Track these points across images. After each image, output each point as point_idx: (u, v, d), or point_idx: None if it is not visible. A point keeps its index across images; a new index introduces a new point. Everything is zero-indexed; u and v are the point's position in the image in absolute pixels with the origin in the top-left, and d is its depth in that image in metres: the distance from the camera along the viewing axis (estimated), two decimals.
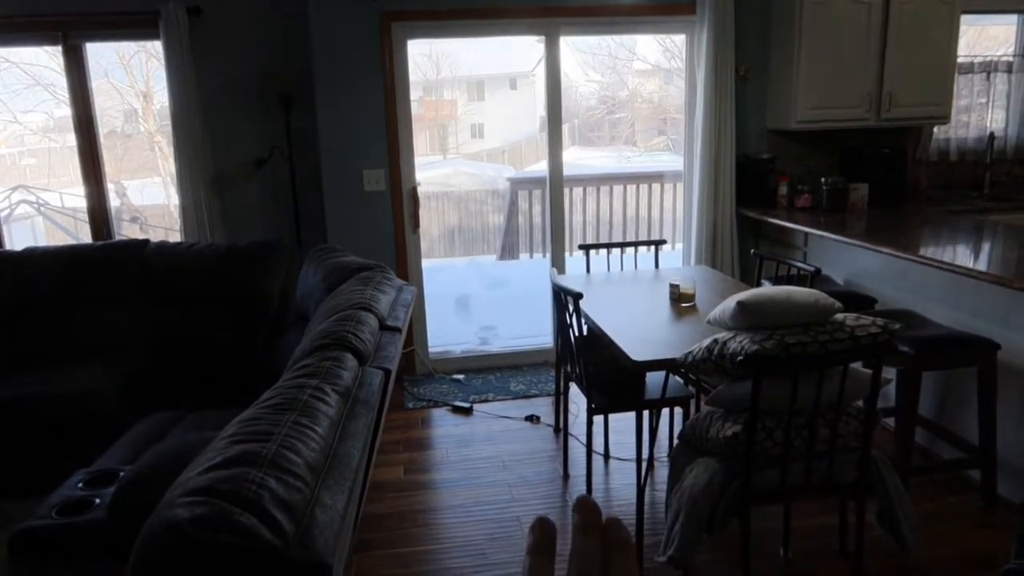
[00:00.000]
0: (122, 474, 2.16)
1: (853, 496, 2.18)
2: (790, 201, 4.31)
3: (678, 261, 4.73)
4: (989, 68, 4.89)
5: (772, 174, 4.38)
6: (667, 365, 2.32)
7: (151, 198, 6.00)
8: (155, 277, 3.49)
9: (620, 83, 7.34)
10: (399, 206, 4.21)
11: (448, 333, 4.91)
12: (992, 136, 4.79)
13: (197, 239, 4.08)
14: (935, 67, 4.26)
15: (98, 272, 3.51)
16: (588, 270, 3.59)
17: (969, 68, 4.81)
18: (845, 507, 2.52)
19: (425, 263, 4.43)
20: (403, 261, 4.27)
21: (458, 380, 4.26)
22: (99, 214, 4.36)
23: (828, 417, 2.07)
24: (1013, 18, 4.81)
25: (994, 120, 4.93)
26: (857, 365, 2.15)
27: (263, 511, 1.13)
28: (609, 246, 3.69)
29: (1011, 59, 4.85)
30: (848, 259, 3.69)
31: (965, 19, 4.36)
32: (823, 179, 4.18)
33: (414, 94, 4.19)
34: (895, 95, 4.25)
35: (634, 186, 6.65)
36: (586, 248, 3.65)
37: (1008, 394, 2.76)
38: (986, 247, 3.25)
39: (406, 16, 4.01)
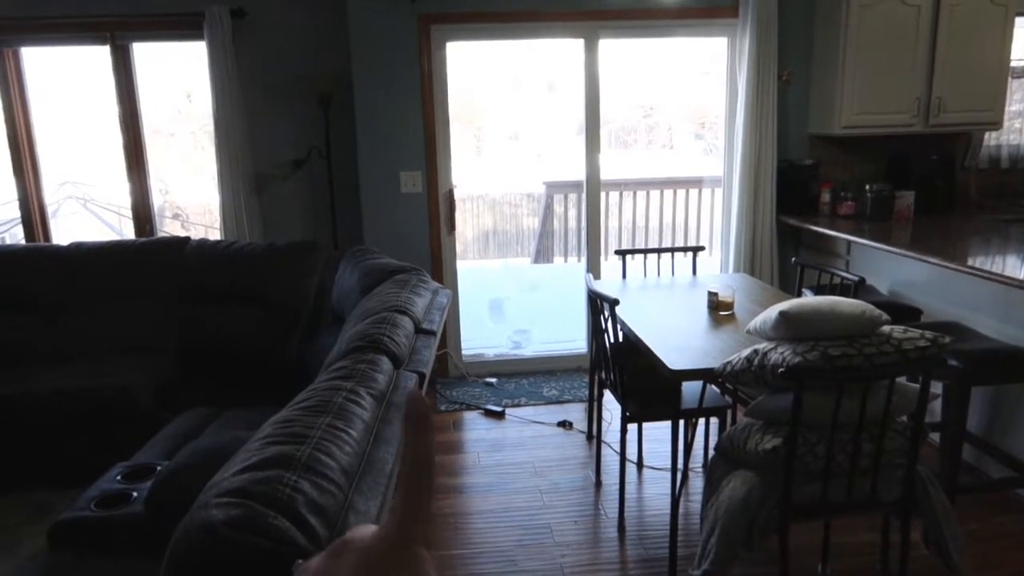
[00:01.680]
0: (159, 469, 2.19)
1: (897, 514, 2.11)
2: (832, 209, 4.21)
3: (716, 268, 4.65)
4: None
5: (814, 181, 4.28)
6: (705, 375, 2.27)
7: (194, 196, 6.11)
8: (194, 275, 3.54)
9: (658, 87, 7.26)
10: (435, 208, 4.21)
11: (481, 336, 4.90)
12: None
13: (236, 238, 4.14)
14: (987, 71, 4.13)
15: (139, 268, 3.57)
16: (624, 276, 3.55)
17: (1023, 72, 4.65)
18: (888, 525, 2.44)
19: (460, 265, 4.42)
20: (438, 263, 4.28)
21: (491, 384, 4.25)
22: (142, 211, 4.44)
23: (873, 432, 2.01)
24: None
25: None
26: (903, 379, 2.08)
27: (297, 515, 1.13)
28: (646, 252, 3.64)
29: None
30: (893, 269, 3.59)
31: (1020, 21, 4.22)
32: (868, 186, 4.07)
33: (452, 97, 4.19)
34: (944, 100, 4.12)
35: (671, 191, 6.58)
36: (622, 253, 3.61)
37: None
38: None
39: (445, 19, 4.02)
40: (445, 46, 4.11)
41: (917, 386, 2.03)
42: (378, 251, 3.28)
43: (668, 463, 3.23)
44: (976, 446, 3.05)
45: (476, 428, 3.70)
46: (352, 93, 4.03)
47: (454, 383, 4.29)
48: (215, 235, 4.51)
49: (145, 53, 4.34)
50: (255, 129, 4.20)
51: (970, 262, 2.90)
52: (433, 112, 4.12)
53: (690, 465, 3.24)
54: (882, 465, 2.02)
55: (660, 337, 2.53)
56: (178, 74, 4.59)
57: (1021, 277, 2.71)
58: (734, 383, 2.28)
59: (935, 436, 3.17)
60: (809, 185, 4.28)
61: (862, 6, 3.96)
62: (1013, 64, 4.36)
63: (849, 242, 3.86)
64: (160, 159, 5.49)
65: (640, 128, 8.71)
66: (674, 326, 2.68)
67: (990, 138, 4.62)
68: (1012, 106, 4.62)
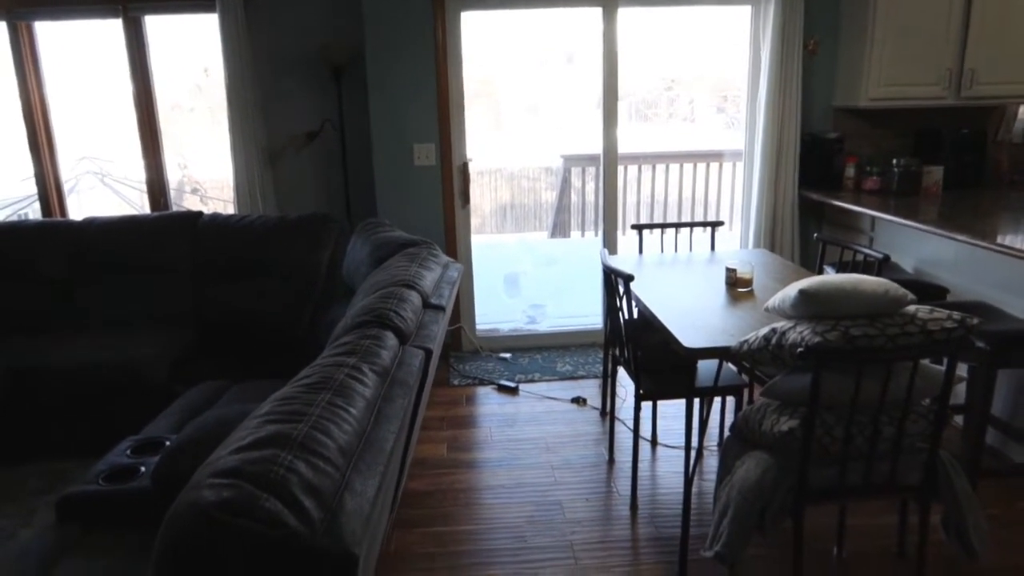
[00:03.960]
0: (167, 443, 2.18)
1: (917, 499, 2.05)
2: (857, 183, 4.09)
3: (736, 244, 4.55)
4: None
5: (839, 155, 4.16)
6: (720, 353, 2.21)
7: (212, 171, 6.10)
8: (207, 249, 3.52)
9: (681, 59, 7.10)
10: (449, 181, 4.15)
11: (496, 311, 4.86)
12: None
13: (250, 211, 4.11)
14: None
15: (153, 242, 3.56)
16: (641, 251, 3.47)
17: None
18: (906, 509, 2.38)
19: (475, 239, 4.37)
20: (452, 237, 4.23)
21: (504, 359, 4.21)
22: (156, 185, 4.43)
23: (893, 415, 1.94)
24: None
25: None
26: (927, 361, 2.01)
27: (290, 496, 1.10)
28: (663, 226, 3.56)
29: None
30: (918, 246, 3.48)
31: None
32: (894, 161, 3.94)
33: (468, 68, 4.10)
34: (977, 71, 3.96)
35: (691, 165, 6.45)
36: (639, 228, 3.53)
37: None
38: None
39: None
40: (460, 16, 4.01)
41: (941, 368, 1.95)
42: (390, 224, 3.24)
43: (683, 441, 3.18)
44: (1001, 430, 2.97)
45: (489, 403, 3.67)
46: (365, 64, 3.95)
47: (468, 357, 4.26)
48: (232, 210, 4.49)
49: (163, 27, 4.30)
50: (268, 102, 4.15)
51: (1000, 240, 2.79)
52: (447, 83, 4.04)
53: (705, 444, 3.19)
54: (903, 449, 1.96)
55: (675, 314, 2.47)
56: (197, 48, 4.54)
57: None
58: (751, 362, 2.21)
59: (959, 419, 3.09)
60: (833, 159, 4.16)
61: None
62: None
63: (874, 218, 3.75)
64: (180, 134, 5.47)
65: (661, 101, 8.54)
66: (690, 303, 2.61)
67: None
68: None
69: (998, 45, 3.93)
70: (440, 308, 2.28)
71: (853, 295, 1.91)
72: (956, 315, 1.91)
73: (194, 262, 3.53)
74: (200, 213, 3.69)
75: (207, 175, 6.08)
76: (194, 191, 6.09)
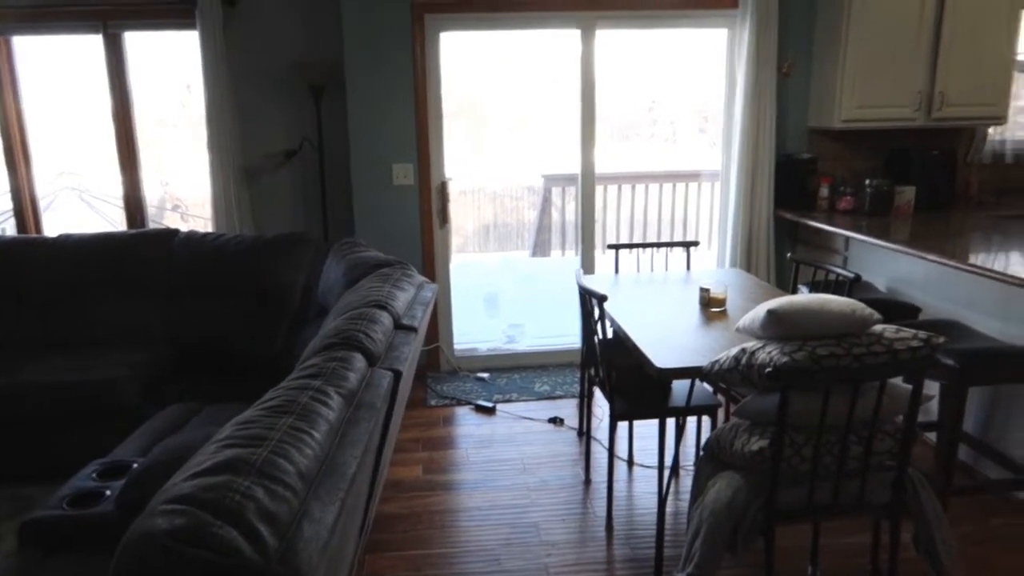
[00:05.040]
0: (134, 467, 2.15)
1: (887, 517, 2.06)
2: (831, 203, 4.14)
3: (713, 263, 4.59)
4: None
5: (813, 175, 4.21)
6: (692, 373, 2.22)
7: (194, 188, 6.06)
8: (182, 267, 3.49)
9: (662, 80, 7.17)
10: (428, 201, 4.16)
11: (476, 330, 4.86)
12: None
13: (227, 230, 4.09)
14: (992, 64, 4.04)
15: (127, 261, 3.53)
16: (617, 270, 3.49)
17: None
18: (879, 526, 2.39)
19: (457, 259, 4.38)
20: (430, 257, 4.22)
21: (483, 379, 4.20)
22: (134, 202, 4.40)
23: (862, 434, 1.95)
24: None
25: None
26: (898, 380, 2.03)
27: (245, 523, 1.08)
28: (640, 246, 3.58)
29: None
30: (891, 265, 3.53)
31: None
32: (867, 181, 4.00)
33: (448, 88, 4.13)
34: (947, 94, 4.04)
35: (671, 185, 6.50)
36: (616, 248, 3.55)
37: None
38: None
39: (439, 8, 3.95)
40: (439, 36, 4.04)
41: (910, 387, 1.97)
42: (365, 244, 3.23)
43: (666, 462, 3.18)
44: (973, 447, 2.99)
45: (466, 424, 3.65)
46: (344, 83, 3.97)
47: (445, 378, 4.24)
48: (212, 227, 4.47)
49: (146, 43, 4.30)
50: (247, 119, 4.15)
51: (970, 259, 2.83)
52: (427, 103, 4.06)
53: (682, 464, 3.19)
54: (871, 468, 1.97)
55: (649, 334, 2.47)
56: (180, 64, 4.54)
57: (1022, 275, 2.65)
58: (722, 382, 2.22)
59: (932, 436, 3.11)
60: (807, 180, 4.21)
61: None
62: (1021, 58, 4.29)
63: (847, 238, 3.79)
64: (162, 151, 5.44)
65: (643, 121, 8.62)
66: (664, 323, 2.62)
67: (994, 133, 4.53)
68: (1018, 100, 4.54)
69: (966, 69, 4.02)
70: (412, 329, 2.27)
71: (820, 315, 1.92)
72: (922, 334, 1.93)
73: (168, 281, 3.50)
74: (176, 231, 3.67)
75: (188, 192, 6.06)
76: (175, 208, 6.06)
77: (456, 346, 4.43)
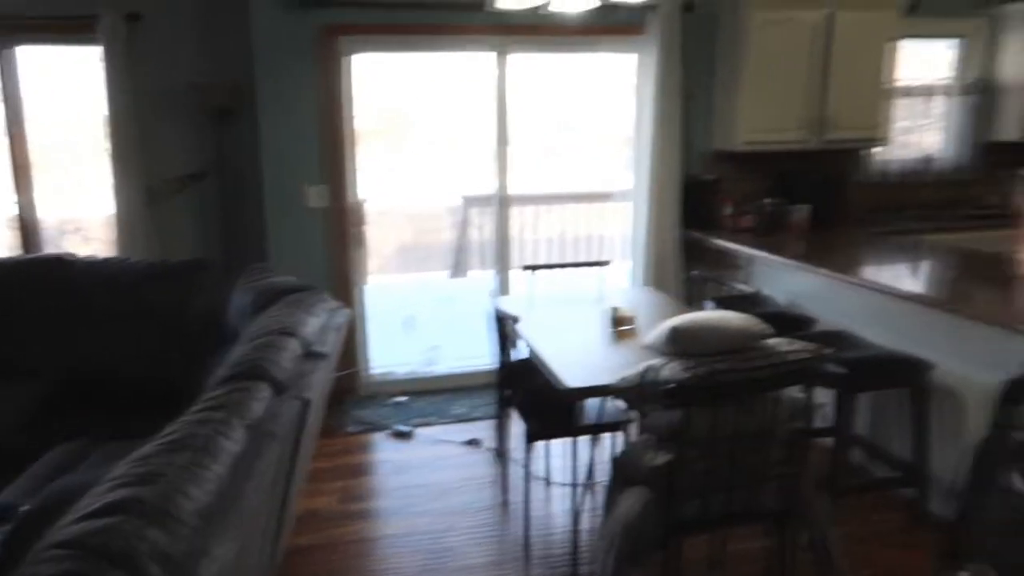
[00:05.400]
0: (21, 510, 2.02)
1: (777, 523, 2.16)
2: (734, 223, 4.34)
3: (626, 282, 4.71)
4: (928, 92, 5.03)
5: (716, 195, 4.41)
6: (600, 391, 2.28)
7: (96, 211, 5.79)
8: (77, 294, 3.31)
9: (580, 101, 7.35)
10: (342, 223, 4.12)
11: (395, 353, 4.81)
12: (929, 158, 4.91)
13: (130, 254, 3.92)
14: (872, 91, 4.36)
15: (17, 287, 3.32)
16: (531, 291, 3.54)
17: (909, 91, 4.93)
18: (783, 531, 2.50)
19: (374, 281, 4.34)
20: (344, 280, 4.17)
21: (401, 403, 4.16)
22: (29, 225, 4.17)
23: (759, 444, 2.05)
24: (953, 42, 4.94)
25: (932, 142, 5.07)
26: (795, 389, 2.14)
27: (137, 566, 1.04)
28: (554, 267, 3.64)
29: (949, 83, 5.00)
30: (789, 280, 3.72)
31: (910, 44, 4.49)
32: (766, 200, 4.22)
33: (368, 107, 4.11)
34: (836, 118, 4.32)
35: (587, 205, 6.66)
36: (530, 268, 3.60)
37: (941, 412, 2.78)
38: (921, 268, 3.31)
39: (350, 30, 3.94)
40: (350, 58, 4.03)
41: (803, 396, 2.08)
42: (274, 270, 3.17)
43: (579, 480, 3.22)
44: (865, 448, 3.18)
45: (383, 450, 3.61)
46: (254, 104, 3.89)
47: (363, 403, 4.18)
48: (115, 252, 4.27)
49: (47, 57, 4.10)
50: (151, 140, 4.01)
51: (857, 273, 3.03)
52: (339, 124, 4.03)
53: (599, 479, 3.25)
54: (769, 476, 2.07)
55: (559, 353, 2.52)
56: (83, 81, 4.33)
57: (898, 287, 2.85)
58: (629, 399, 2.29)
59: (830, 439, 3.29)
60: (712, 200, 4.41)
61: (760, 26, 4.12)
62: (902, 84, 4.64)
63: (748, 254, 3.98)
64: (63, 171, 5.17)
65: (560, 142, 8.79)
66: (575, 342, 2.68)
67: (879, 154, 4.86)
68: (901, 123, 4.90)
69: (851, 95, 4.31)
70: (323, 356, 2.24)
71: (718, 331, 2.02)
72: (812, 346, 2.05)
73: (63, 309, 3.31)
74: (70, 255, 3.49)
75: (91, 215, 5.77)
76: (77, 230, 5.76)
77: (374, 370, 4.38)
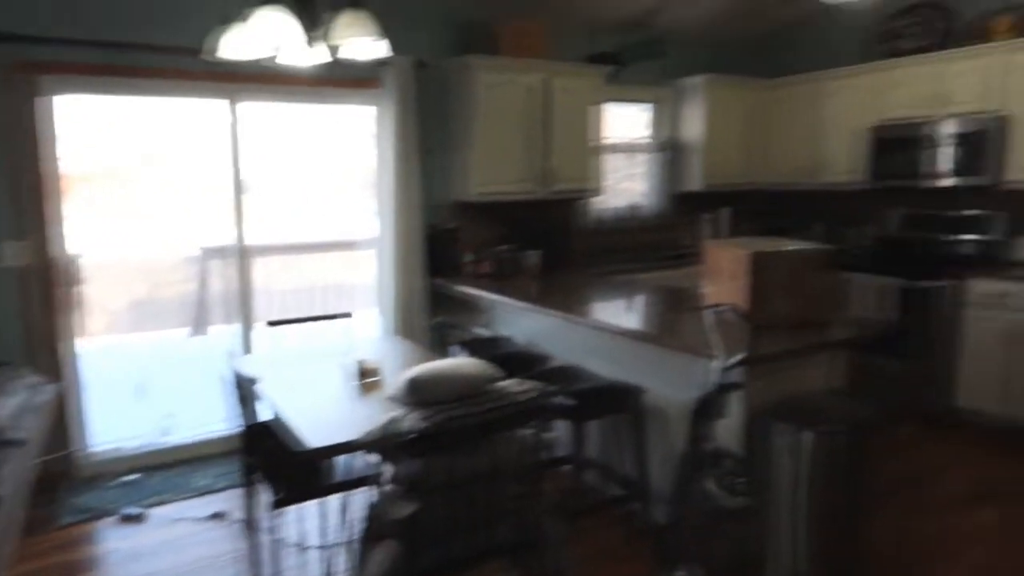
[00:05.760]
0: None
1: (517, 556, 2.30)
2: (475, 268, 4.59)
3: (376, 330, 4.73)
4: (632, 148, 5.79)
5: (457, 243, 4.63)
6: (345, 448, 2.26)
7: None
8: None
9: (317, 150, 7.29)
10: (48, 282, 3.63)
11: (123, 426, 4.30)
12: (635, 206, 5.65)
13: None
14: (586, 146, 4.92)
15: None
16: (275, 348, 3.41)
17: (617, 148, 5.64)
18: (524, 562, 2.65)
19: (100, 343, 3.87)
20: (51, 348, 3.67)
21: (131, 482, 3.73)
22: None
23: (495, 483, 2.17)
24: (648, 107, 5.76)
25: (637, 192, 5.84)
26: (528, 426, 2.30)
27: None
28: (296, 321, 3.56)
29: (647, 141, 5.80)
30: (524, 321, 4.01)
31: (614, 106, 5.16)
32: (502, 247, 4.53)
33: (88, 153, 3.70)
34: (557, 170, 4.80)
35: (333, 254, 6.57)
36: (274, 324, 3.48)
37: (655, 431, 3.17)
38: (631, 304, 3.76)
39: (53, 68, 3.55)
40: (52, 99, 3.62)
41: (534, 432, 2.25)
42: None
43: (332, 540, 3.13)
44: (599, 471, 3.51)
45: (108, 539, 3.20)
46: None
47: (82, 488, 3.67)
48: None
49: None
50: None
51: (580, 312, 3.36)
52: (42, 173, 3.57)
53: (356, 537, 3.18)
54: (504, 512, 2.20)
55: (303, 412, 2.46)
56: None
57: (613, 324, 3.22)
58: (375, 453, 2.30)
59: (569, 467, 3.57)
60: (453, 248, 4.62)
61: (486, 86, 4.45)
62: (611, 141, 5.28)
63: (489, 299, 4.23)
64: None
65: (304, 191, 8.61)
66: (320, 398, 2.64)
67: (597, 202, 5.47)
68: (614, 174, 5.58)
69: (569, 151, 4.83)
70: (18, 443, 1.96)
71: (453, 378, 2.12)
72: (539, 384, 2.24)
73: None
74: None
75: None
76: None
77: (97, 448, 3.89)
